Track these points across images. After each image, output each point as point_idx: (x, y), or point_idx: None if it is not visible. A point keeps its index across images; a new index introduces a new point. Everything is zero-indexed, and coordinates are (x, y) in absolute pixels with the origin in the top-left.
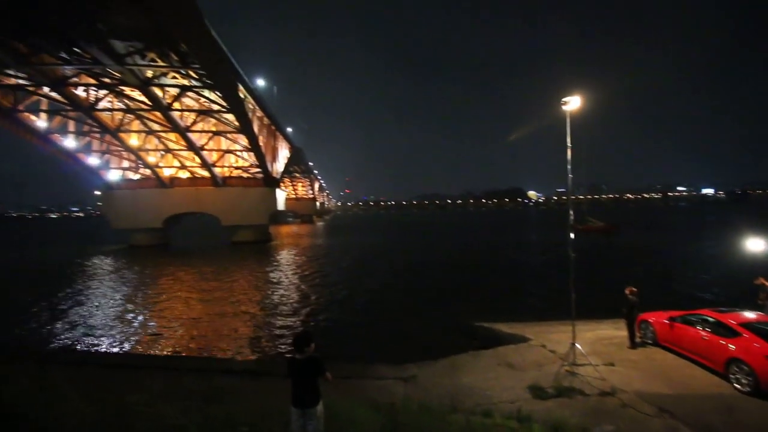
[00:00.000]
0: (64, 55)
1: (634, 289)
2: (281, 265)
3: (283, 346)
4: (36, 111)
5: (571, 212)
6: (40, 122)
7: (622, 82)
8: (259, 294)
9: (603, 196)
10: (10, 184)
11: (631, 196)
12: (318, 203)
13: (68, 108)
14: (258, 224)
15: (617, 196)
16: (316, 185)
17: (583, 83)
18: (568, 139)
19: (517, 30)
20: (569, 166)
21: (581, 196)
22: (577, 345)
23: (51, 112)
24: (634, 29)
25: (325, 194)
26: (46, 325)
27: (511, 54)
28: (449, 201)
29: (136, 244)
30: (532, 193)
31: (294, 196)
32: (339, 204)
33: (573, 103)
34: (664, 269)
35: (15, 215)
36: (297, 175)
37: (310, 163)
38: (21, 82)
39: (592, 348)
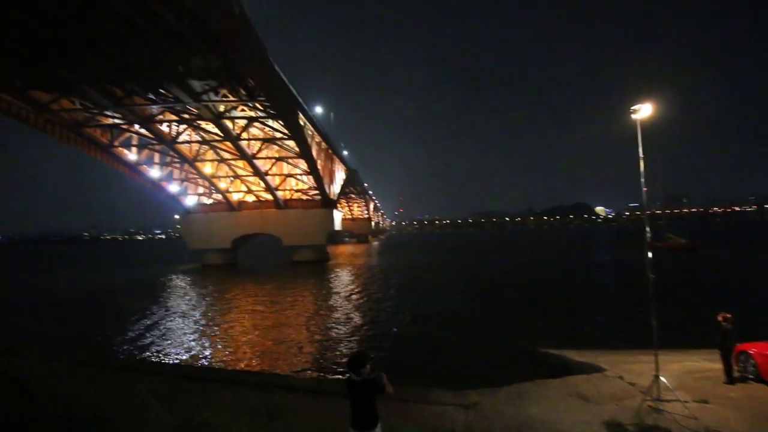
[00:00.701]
0: (151, 96)
1: (728, 315)
2: (339, 284)
3: (341, 366)
4: (128, 146)
5: (648, 228)
6: (131, 155)
7: (712, 81)
8: (317, 312)
9: (684, 210)
10: (106, 209)
11: (718, 209)
12: (373, 223)
13: (154, 142)
14: (316, 244)
15: (702, 209)
16: (371, 205)
17: (660, 88)
18: (640, 150)
19: (581, 42)
20: (642, 179)
21: (658, 211)
22: (662, 378)
23: (140, 147)
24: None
25: (379, 214)
26: (130, 335)
27: (573, 65)
28: (507, 219)
29: (209, 264)
30: (599, 209)
31: (350, 217)
32: (393, 223)
33: (644, 111)
34: (762, 292)
35: (109, 238)
36: (353, 195)
37: (365, 184)
38: (116, 121)
39: (680, 382)
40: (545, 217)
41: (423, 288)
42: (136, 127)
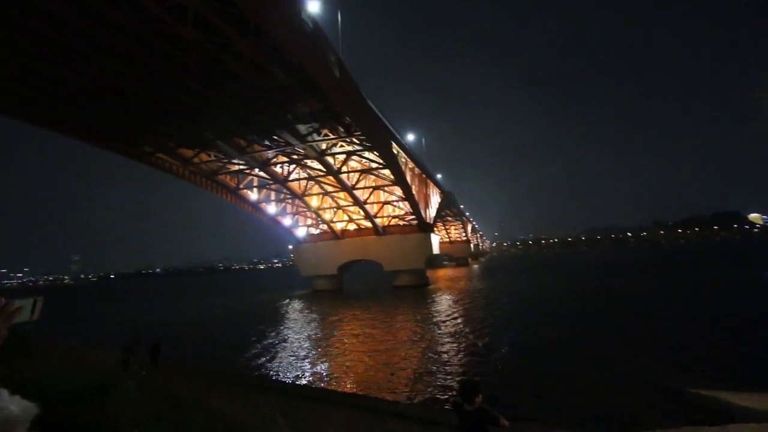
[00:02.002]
0: (267, 142)
1: None
2: (441, 309)
3: (448, 393)
4: (250, 187)
5: None
6: (253, 195)
7: None
8: (422, 337)
9: None
10: (234, 244)
11: None
12: (472, 245)
13: (270, 182)
14: (416, 269)
15: None
16: (469, 227)
17: None
18: None
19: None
20: None
21: None
22: None
23: (259, 187)
24: None
25: (478, 236)
26: (255, 354)
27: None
28: (629, 234)
29: (318, 289)
30: (755, 216)
31: (448, 240)
32: (494, 245)
33: None
34: None
35: (237, 267)
36: (449, 218)
37: (461, 206)
38: (241, 167)
39: None
40: (679, 230)
41: (531, 313)
42: (256, 170)
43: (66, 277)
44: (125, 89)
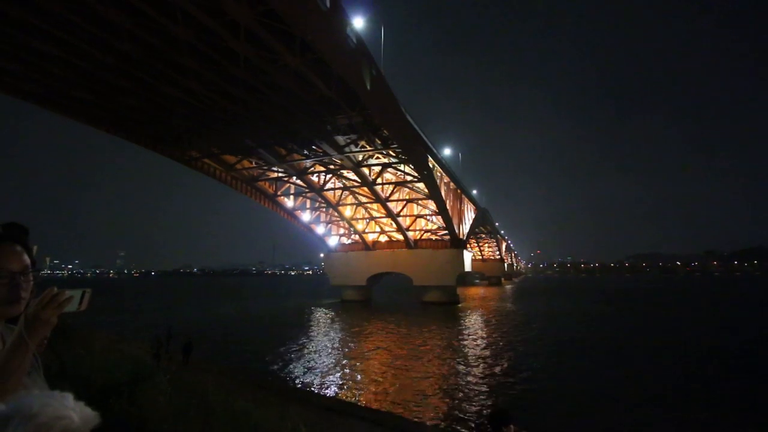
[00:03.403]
0: (305, 152)
1: None
2: (471, 329)
3: (474, 418)
4: (287, 195)
5: None
6: (289, 203)
7: None
8: (451, 357)
9: None
10: (268, 248)
11: None
12: (506, 264)
13: (306, 190)
14: (446, 285)
15: None
16: (503, 245)
17: None
18: None
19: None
20: None
21: None
22: None
23: (296, 195)
24: None
25: (513, 255)
26: (282, 361)
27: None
28: (678, 263)
29: (347, 299)
30: None
31: (480, 258)
32: (530, 266)
33: None
34: None
35: (269, 272)
36: (483, 235)
37: (496, 223)
38: (280, 174)
39: None
40: (735, 262)
41: (566, 340)
42: (294, 178)
43: (111, 272)
44: (178, 98)
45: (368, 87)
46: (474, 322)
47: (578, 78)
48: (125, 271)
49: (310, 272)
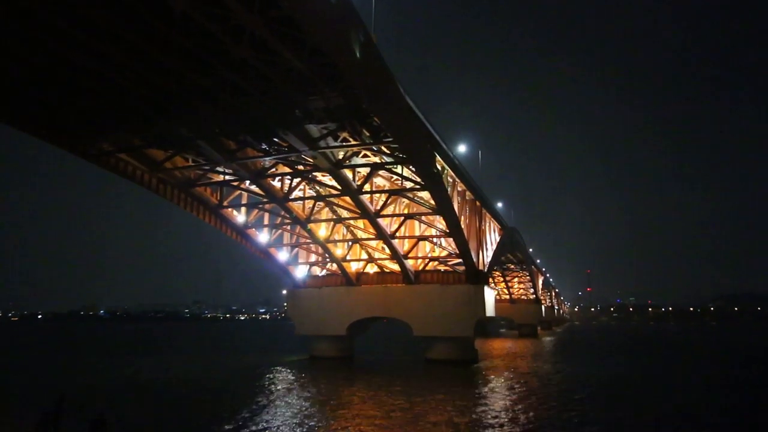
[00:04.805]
0: (264, 146)
1: None
2: (495, 404)
3: None
4: (237, 206)
5: None
6: (240, 217)
7: None
8: None
9: None
10: (209, 284)
11: None
12: (543, 307)
13: (265, 200)
14: (459, 336)
15: None
16: (540, 281)
17: None
18: None
19: None
20: None
21: None
22: None
23: (249, 206)
24: None
25: (553, 294)
26: None
27: None
28: None
29: (319, 355)
30: None
31: (508, 298)
32: (576, 309)
33: None
34: None
35: (209, 316)
36: (511, 266)
37: (530, 249)
38: (227, 177)
39: None
40: None
41: (630, 426)
42: (247, 183)
43: None
44: (87, 68)
45: (356, 56)
46: (499, 393)
47: (656, 47)
48: None
49: (267, 316)
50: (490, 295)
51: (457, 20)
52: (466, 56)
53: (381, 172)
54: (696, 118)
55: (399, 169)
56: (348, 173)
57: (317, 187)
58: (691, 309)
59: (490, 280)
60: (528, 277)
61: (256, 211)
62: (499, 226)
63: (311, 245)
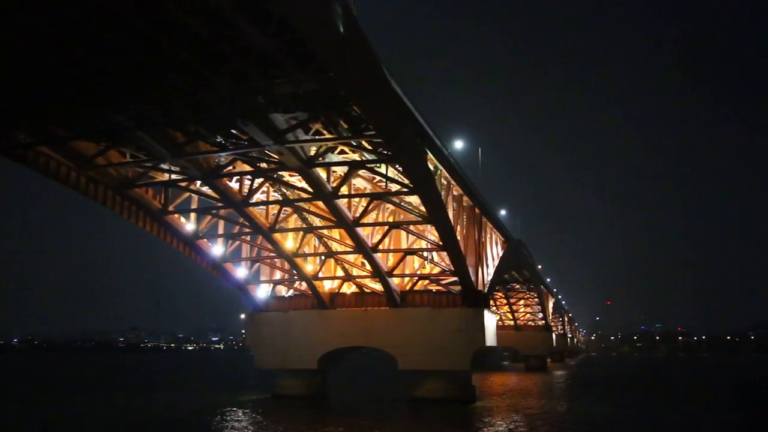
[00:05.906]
0: (219, 139)
1: None
2: None
3: None
4: (185, 211)
5: None
6: (189, 225)
7: None
8: None
9: None
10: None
11: None
12: (554, 335)
13: (219, 205)
14: (454, 370)
15: None
16: (550, 304)
17: None
18: None
19: None
20: None
21: None
22: None
23: (200, 211)
24: None
25: (566, 319)
26: None
27: None
28: None
29: (284, 393)
30: None
31: (512, 323)
32: (593, 337)
33: None
34: None
35: (150, 345)
36: (516, 286)
37: (539, 266)
38: (173, 176)
39: None
40: None
41: None
42: (197, 184)
43: None
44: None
45: (332, 31)
46: None
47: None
48: None
49: (221, 346)
50: (490, 320)
51: None
52: (466, 29)
53: (361, 172)
54: (738, 141)
55: (383, 169)
56: (321, 173)
57: (284, 190)
58: (728, 338)
59: (491, 302)
60: (536, 300)
61: (208, 217)
62: (503, 238)
63: (276, 260)
